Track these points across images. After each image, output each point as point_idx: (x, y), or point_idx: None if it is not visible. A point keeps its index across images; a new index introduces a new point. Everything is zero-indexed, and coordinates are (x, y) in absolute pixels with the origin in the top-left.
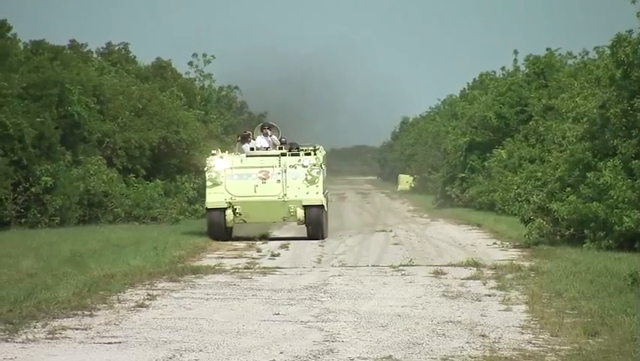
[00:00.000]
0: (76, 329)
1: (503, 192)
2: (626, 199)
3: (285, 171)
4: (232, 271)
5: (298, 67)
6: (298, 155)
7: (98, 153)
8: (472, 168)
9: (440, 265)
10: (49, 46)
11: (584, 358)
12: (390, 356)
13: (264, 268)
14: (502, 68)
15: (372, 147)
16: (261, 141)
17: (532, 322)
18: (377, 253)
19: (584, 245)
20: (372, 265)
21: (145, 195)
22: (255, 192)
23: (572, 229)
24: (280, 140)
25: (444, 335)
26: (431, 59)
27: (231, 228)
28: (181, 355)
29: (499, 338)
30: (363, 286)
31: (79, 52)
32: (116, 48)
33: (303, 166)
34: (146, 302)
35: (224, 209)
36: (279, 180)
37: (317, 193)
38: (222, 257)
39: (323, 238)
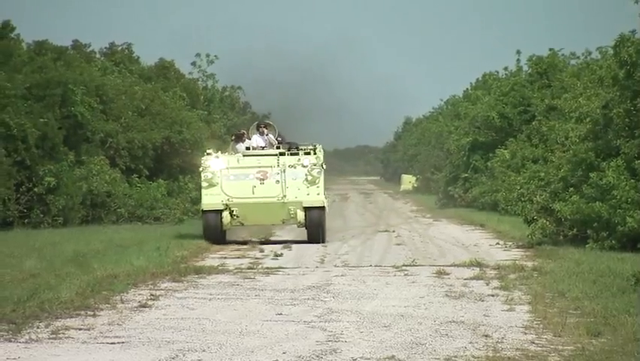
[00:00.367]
0: (80, 329)
1: (506, 192)
2: (629, 199)
3: (284, 171)
4: (235, 271)
5: (301, 67)
6: (297, 154)
7: (101, 153)
8: (475, 168)
9: (443, 265)
10: (52, 46)
11: (587, 358)
12: (393, 356)
13: (267, 268)
14: (505, 68)
15: (375, 147)
16: (257, 140)
17: (535, 322)
18: (380, 253)
19: (587, 245)
20: (375, 266)
21: (148, 195)
22: (253, 193)
23: (575, 229)
24: (277, 139)
25: (447, 335)
26: (434, 59)
27: (225, 231)
28: (184, 355)
29: (502, 338)
30: (366, 287)
31: (82, 52)
32: (119, 48)
33: (303, 166)
34: (149, 302)
35: (221, 211)
36: (277, 181)
37: (318, 194)
38: (225, 257)
39: (323, 242)
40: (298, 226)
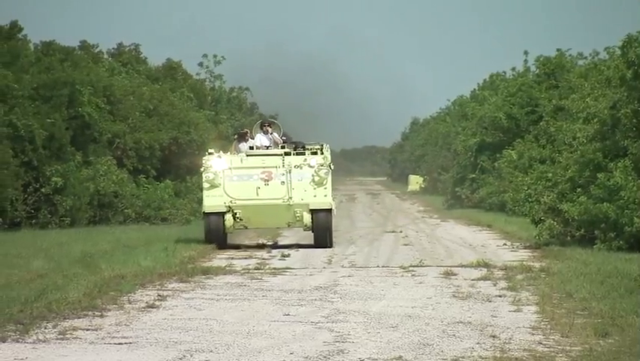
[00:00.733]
0: (87, 330)
1: (513, 193)
2: (636, 200)
3: (290, 172)
4: (242, 271)
5: (308, 68)
6: (304, 154)
7: (109, 154)
8: (483, 168)
9: (450, 266)
10: (59, 47)
11: (594, 359)
12: (400, 357)
13: (274, 268)
14: (513, 69)
15: (382, 148)
16: (261, 139)
17: (542, 323)
18: (387, 253)
19: (595, 246)
20: (383, 266)
21: (155, 195)
22: (257, 194)
23: (582, 230)
24: (281, 138)
25: (454, 335)
26: (441, 59)
27: (226, 234)
28: (191, 355)
29: (510, 338)
30: (374, 287)
31: (89, 53)
32: (127, 49)
33: (310, 166)
34: (157, 303)
35: (224, 213)
36: (283, 182)
37: (325, 196)
38: (232, 258)
39: (331, 246)
40: (304, 230)
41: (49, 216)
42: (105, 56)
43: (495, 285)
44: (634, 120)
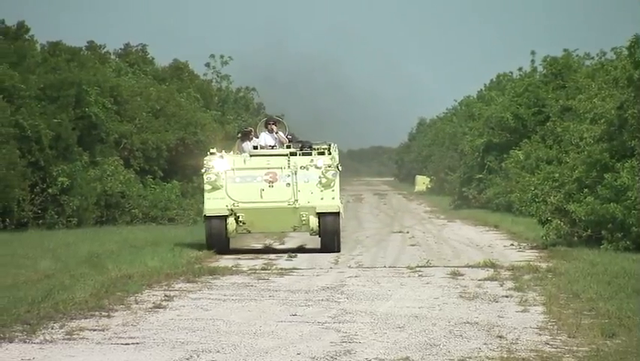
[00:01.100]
0: (94, 330)
1: (520, 193)
2: None
3: (296, 173)
4: (249, 272)
5: (314, 68)
6: (310, 154)
7: (115, 154)
8: (490, 169)
9: (457, 266)
10: (66, 47)
11: (601, 359)
12: (407, 358)
13: (281, 269)
14: (520, 69)
15: (389, 148)
16: (265, 138)
17: (549, 323)
18: (394, 254)
19: (602, 246)
20: (389, 266)
21: (162, 196)
22: (261, 197)
23: (589, 230)
24: (287, 137)
25: (461, 336)
26: (448, 59)
27: (228, 238)
28: (198, 356)
29: (517, 339)
30: (381, 288)
31: (96, 53)
32: (134, 49)
33: (317, 167)
34: (164, 303)
35: (226, 217)
36: (288, 184)
37: (333, 199)
38: (239, 258)
39: (338, 251)
40: (311, 234)
41: (56, 217)
42: (112, 57)
43: (502, 285)
44: None
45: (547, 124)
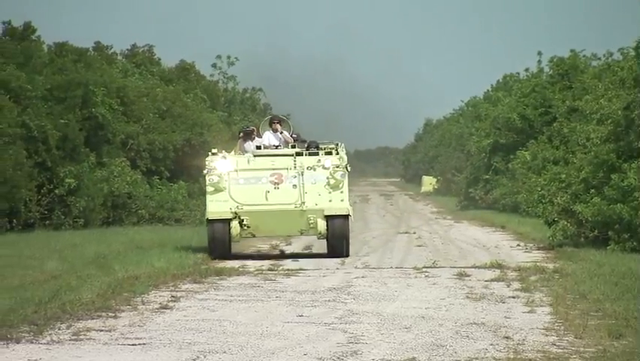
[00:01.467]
0: (101, 331)
1: (527, 194)
2: None
3: (302, 174)
4: (256, 272)
5: (320, 69)
6: (317, 154)
7: (122, 155)
8: (496, 169)
9: (464, 267)
10: (73, 48)
11: (608, 360)
12: (414, 358)
13: (288, 269)
14: (526, 70)
15: (396, 149)
16: (269, 137)
17: (556, 324)
18: (401, 254)
19: (609, 247)
20: (396, 267)
21: (169, 196)
22: (267, 199)
23: (596, 231)
24: (292, 136)
25: (468, 336)
26: (455, 60)
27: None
28: (205, 356)
29: (523, 339)
30: (387, 288)
31: (103, 54)
32: (141, 50)
33: (324, 168)
34: (170, 304)
35: (229, 220)
36: (295, 185)
37: (342, 201)
38: (246, 259)
39: (347, 256)
40: (318, 238)
41: (62, 218)
42: (119, 57)
43: (508, 286)
44: None
45: (554, 125)
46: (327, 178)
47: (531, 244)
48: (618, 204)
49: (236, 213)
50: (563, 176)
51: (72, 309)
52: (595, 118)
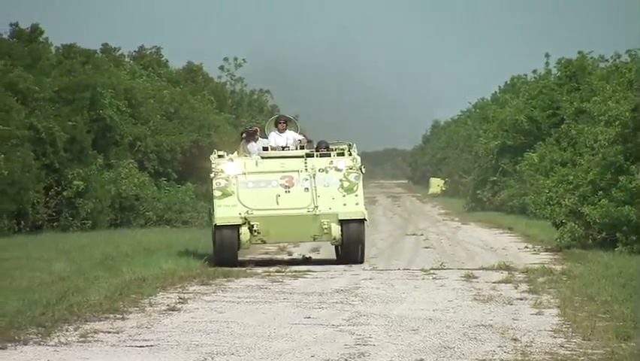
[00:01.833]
0: (108, 333)
1: (535, 196)
2: None
3: (314, 177)
4: (263, 274)
5: (328, 70)
6: (329, 155)
7: (130, 157)
8: (504, 171)
9: (471, 269)
10: (80, 50)
11: None
12: (421, 360)
13: (295, 271)
14: (534, 72)
15: (403, 151)
16: (275, 138)
17: (564, 326)
18: (408, 256)
19: (616, 249)
20: (404, 269)
21: (176, 198)
22: (278, 203)
23: (603, 233)
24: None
25: (475, 338)
26: (462, 62)
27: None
28: (212, 358)
29: (531, 341)
30: (395, 290)
31: (111, 56)
32: (148, 52)
33: (337, 170)
34: (178, 306)
35: (239, 226)
36: (306, 188)
37: (357, 204)
38: (253, 260)
39: (362, 262)
40: (332, 243)
41: (70, 219)
42: (126, 59)
43: (516, 288)
44: None
45: (562, 126)
46: (341, 181)
47: (539, 246)
48: (626, 206)
49: (245, 218)
50: (571, 178)
51: (80, 311)
52: (602, 120)
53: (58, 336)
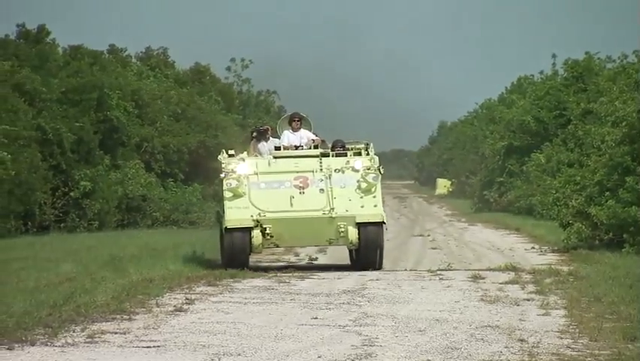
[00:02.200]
0: (115, 333)
1: (542, 197)
2: None
3: (330, 177)
4: (270, 275)
5: (335, 72)
6: (345, 155)
7: (137, 158)
8: (511, 172)
9: (478, 270)
10: (88, 51)
11: None
12: None
13: (302, 272)
14: (541, 72)
15: (410, 151)
16: (289, 137)
17: (571, 326)
18: (415, 257)
19: (623, 250)
20: (410, 270)
21: (183, 199)
22: (292, 205)
23: (610, 234)
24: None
25: (482, 339)
26: (469, 63)
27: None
28: (219, 359)
29: (538, 342)
30: (401, 291)
31: (118, 57)
32: (155, 53)
33: (354, 170)
34: (185, 306)
35: (251, 229)
36: (322, 190)
37: (375, 206)
38: (260, 261)
39: (380, 268)
40: (349, 248)
41: (77, 220)
42: (133, 60)
43: (523, 289)
44: None
45: (569, 127)
46: (358, 182)
47: (546, 247)
48: (633, 207)
49: (257, 221)
50: (578, 178)
51: (87, 311)
52: (609, 120)
53: (65, 337)
